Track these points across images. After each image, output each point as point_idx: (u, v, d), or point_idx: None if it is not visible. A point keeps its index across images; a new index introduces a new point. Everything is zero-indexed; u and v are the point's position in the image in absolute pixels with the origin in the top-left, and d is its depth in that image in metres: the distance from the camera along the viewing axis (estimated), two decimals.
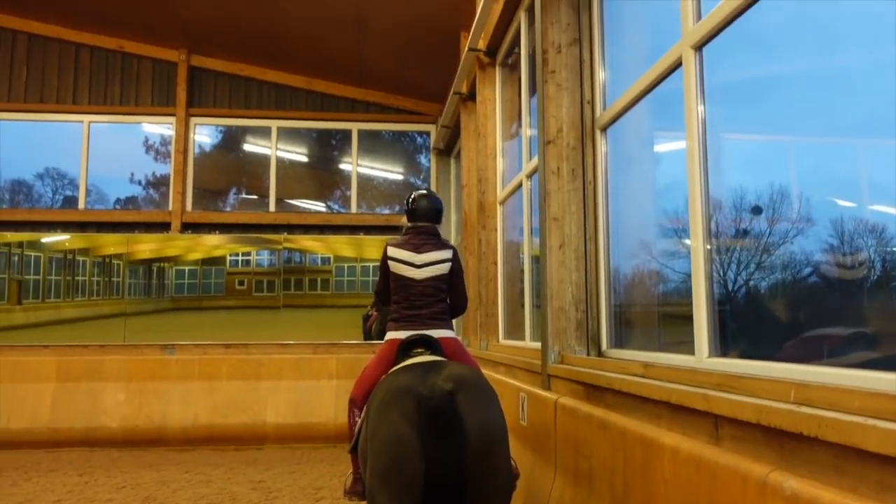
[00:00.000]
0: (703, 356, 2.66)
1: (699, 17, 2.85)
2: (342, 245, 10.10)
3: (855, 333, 2.45)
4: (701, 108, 2.82)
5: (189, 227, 9.68)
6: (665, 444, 2.26)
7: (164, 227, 9.64)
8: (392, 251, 3.65)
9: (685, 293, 3.53)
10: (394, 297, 3.67)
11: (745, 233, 3.46)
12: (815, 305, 2.73)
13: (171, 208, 9.64)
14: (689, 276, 3.28)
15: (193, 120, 9.85)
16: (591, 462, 2.97)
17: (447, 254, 3.68)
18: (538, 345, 4.82)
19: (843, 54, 2.69)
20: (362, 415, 3.25)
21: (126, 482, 6.67)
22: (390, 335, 3.59)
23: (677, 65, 3.02)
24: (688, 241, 3.03)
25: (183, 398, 8.58)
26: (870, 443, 1.44)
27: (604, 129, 4.00)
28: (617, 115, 3.80)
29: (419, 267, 3.60)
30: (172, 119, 9.74)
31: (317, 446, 8.48)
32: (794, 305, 3.12)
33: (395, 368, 3.17)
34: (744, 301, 3.45)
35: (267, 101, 9.96)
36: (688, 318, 3.26)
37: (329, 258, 10.14)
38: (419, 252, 3.62)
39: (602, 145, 4.00)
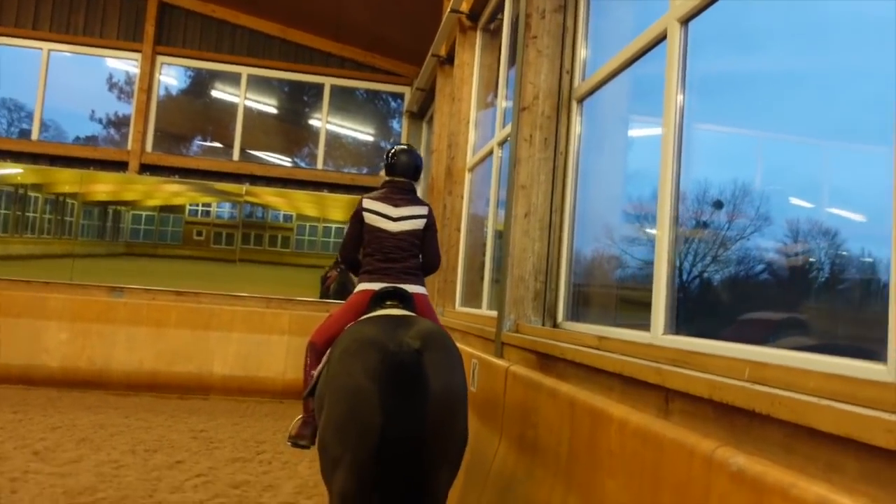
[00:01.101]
0: (658, 332, 2.64)
1: None
2: (306, 204, 9.90)
3: (788, 319, 2.56)
4: (680, 90, 2.76)
5: (147, 168, 9.37)
6: (613, 416, 2.24)
7: (121, 166, 9.32)
8: (368, 203, 3.58)
9: (640, 276, 3.58)
10: (366, 250, 3.60)
11: (705, 225, 3.48)
12: (764, 301, 2.78)
13: (129, 148, 9.31)
14: (643, 260, 3.34)
15: (160, 59, 9.50)
16: (537, 430, 2.95)
17: (423, 210, 3.65)
18: (490, 312, 4.80)
19: (826, 56, 2.67)
20: (324, 361, 3.19)
21: (62, 423, 6.50)
22: (363, 286, 3.49)
23: (661, 38, 2.95)
24: (648, 229, 3.03)
25: (128, 342, 8.39)
26: (823, 422, 1.42)
27: (580, 101, 3.94)
28: (595, 86, 3.74)
29: (395, 220, 3.53)
30: (138, 56, 9.37)
31: (263, 400, 8.39)
32: (745, 300, 3.18)
33: (363, 317, 3.09)
34: (697, 291, 3.50)
35: (239, 46, 9.64)
36: (636, 301, 3.35)
37: (291, 216, 9.95)
38: (396, 206, 3.56)
39: (577, 117, 3.94)
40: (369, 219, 3.53)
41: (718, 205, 3.44)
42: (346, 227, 4.12)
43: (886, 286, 1.51)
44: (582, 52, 3.99)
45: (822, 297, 2.61)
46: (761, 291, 3.04)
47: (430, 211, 3.69)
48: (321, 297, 9.44)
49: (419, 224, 3.60)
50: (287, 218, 9.95)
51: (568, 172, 3.93)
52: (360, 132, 10.34)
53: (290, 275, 9.78)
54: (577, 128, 3.95)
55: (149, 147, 9.42)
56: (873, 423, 1.29)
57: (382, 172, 3.76)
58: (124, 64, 9.56)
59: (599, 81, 3.67)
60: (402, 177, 3.64)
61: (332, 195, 9.75)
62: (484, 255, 5.84)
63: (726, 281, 3.37)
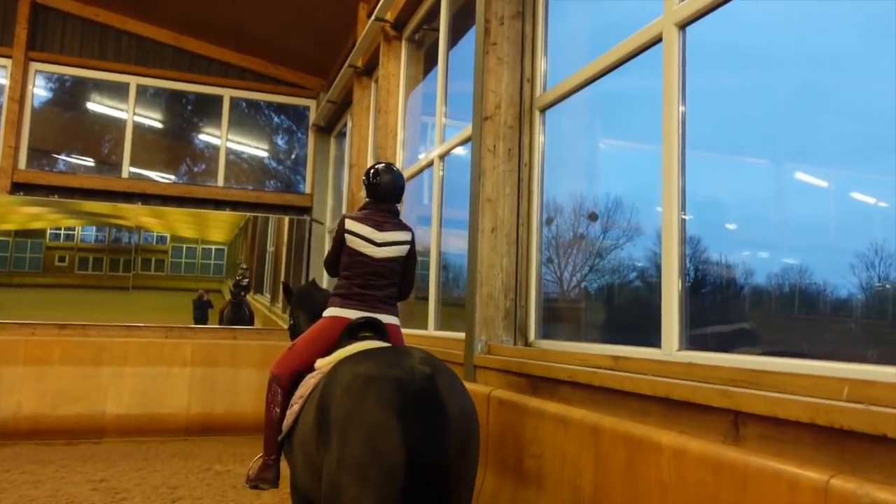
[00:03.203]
0: (672, 349, 2.51)
1: None
2: (181, 225, 9.17)
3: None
4: (681, 100, 2.67)
5: (21, 188, 8.34)
6: (662, 444, 2.06)
7: None
8: (351, 224, 3.30)
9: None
10: (344, 273, 3.34)
11: (581, 237, 3.56)
12: (638, 307, 2.85)
13: None
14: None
15: (34, 65, 8.51)
16: (541, 461, 2.73)
17: (407, 235, 3.43)
18: (451, 333, 4.56)
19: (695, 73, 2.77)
20: (299, 402, 2.85)
21: None
22: (335, 312, 3.21)
23: (652, 43, 2.85)
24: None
25: (3, 385, 7.37)
26: None
27: (543, 111, 3.81)
28: (561, 96, 3.62)
29: (378, 245, 3.30)
30: (8, 62, 8.34)
31: (166, 440, 7.63)
32: (620, 305, 3.37)
33: (346, 351, 2.79)
34: (575, 299, 3.59)
35: (126, 53, 8.83)
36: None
37: (165, 237, 9.20)
38: (380, 230, 3.32)
39: (540, 126, 3.80)
40: (351, 241, 3.28)
41: (593, 217, 3.49)
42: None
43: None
44: (542, 61, 3.87)
45: (691, 301, 2.73)
46: (635, 297, 3.20)
47: (413, 236, 3.47)
48: (196, 323, 8.83)
49: (402, 251, 3.40)
50: (161, 240, 9.19)
51: (533, 184, 3.77)
52: (256, 147, 9.76)
53: (167, 300, 9.07)
54: (540, 138, 3.81)
55: (22, 164, 8.40)
56: None
57: (363, 192, 3.48)
58: None
59: (567, 91, 3.55)
60: (384, 201, 3.38)
61: (214, 214, 9.11)
62: (419, 274, 5.60)
63: (603, 289, 3.51)
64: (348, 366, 2.47)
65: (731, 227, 2.86)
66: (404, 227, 3.44)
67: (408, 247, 3.41)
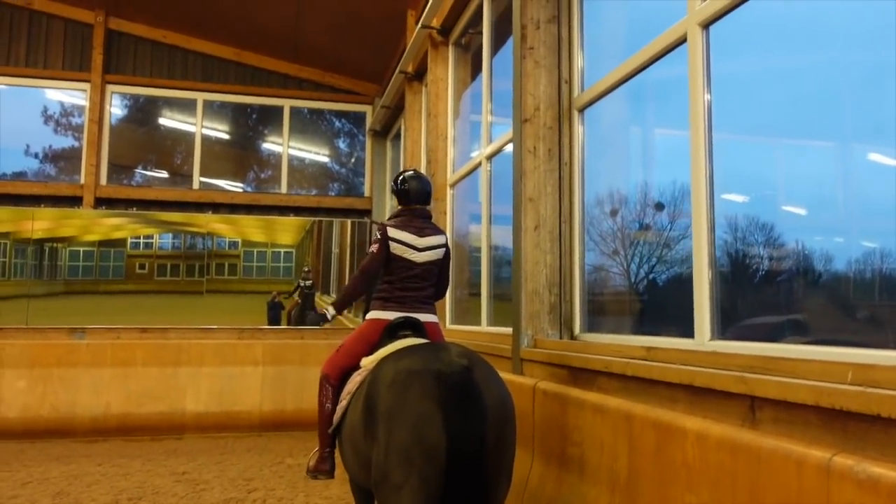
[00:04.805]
0: (704, 339, 2.61)
1: None
2: (251, 230, 9.62)
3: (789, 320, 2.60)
4: (707, 90, 2.75)
5: (103, 202, 8.95)
6: (687, 429, 2.18)
7: (74, 201, 8.87)
8: (393, 232, 3.49)
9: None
10: (386, 277, 3.53)
11: (647, 227, 3.55)
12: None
13: (83, 182, 8.88)
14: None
15: (110, 88, 9.11)
16: (582, 448, 2.87)
17: (442, 238, 3.64)
18: (500, 329, 4.72)
19: (754, 55, 2.74)
20: (346, 398, 3.09)
21: (32, 477, 6.09)
22: (376, 314, 3.43)
23: (678, 43, 2.94)
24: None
25: (93, 386, 7.95)
26: None
27: (581, 110, 3.92)
28: (598, 95, 3.72)
29: (420, 250, 3.50)
30: (86, 85, 8.97)
31: (241, 435, 8.07)
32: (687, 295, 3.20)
33: (388, 350, 3.01)
34: (644, 292, 3.57)
35: (192, 72, 9.34)
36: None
37: (237, 242, 9.66)
38: (421, 236, 3.52)
39: (579, 126, 3.92)
40: (395, 248, 3.48)
41: (660, 206, 3.50)
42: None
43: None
44: (579, 62, 3.98)
45: (765, 290, 2.70)
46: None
47: (447, 239, 3.67)
48: (270, 324, 9.25)
49: (440, 254, 3.61)
50: (233, 245, 9.66)
51: (574, 182, 3.90)
52: (317, 154, 10.13)
53: (241, 303, 9.55)
54: (579, 137, 3.93)
55: (103, 180, 9.01)
56: None
57: (394, 201, 3.69)
58: (64, 95, 9.14)
59: (603, 91, 3.65)
60: (416, 203, 3.58)
61: (281, 218, 9.52)
62: (474, 271, 5.77)
63: (671, 280, 3.46)
64: (391, 362, 2.67)
65: (794, 210, 2.78)
66: (440, 232, 3.65)
67: (444, 249, 3.62)
